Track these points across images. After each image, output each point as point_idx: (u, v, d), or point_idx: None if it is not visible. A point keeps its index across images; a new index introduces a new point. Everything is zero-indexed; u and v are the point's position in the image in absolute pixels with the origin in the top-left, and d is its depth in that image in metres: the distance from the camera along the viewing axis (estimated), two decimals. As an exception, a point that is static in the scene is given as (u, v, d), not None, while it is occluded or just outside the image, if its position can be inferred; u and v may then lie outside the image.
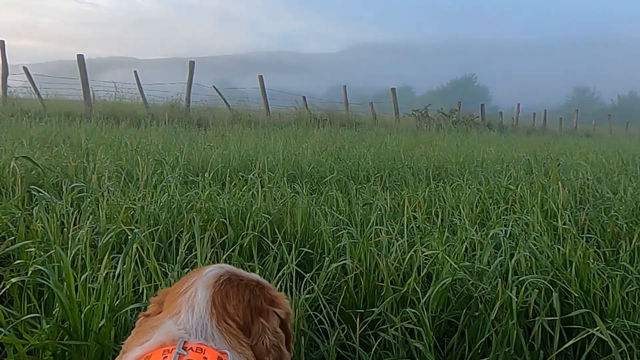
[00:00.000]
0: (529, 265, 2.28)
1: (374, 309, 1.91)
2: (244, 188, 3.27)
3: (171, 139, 7.27)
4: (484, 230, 2.89)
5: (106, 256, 1.81)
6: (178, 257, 2.06)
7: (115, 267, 1.83)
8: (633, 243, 2.68)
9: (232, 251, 2.33)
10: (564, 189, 3.82)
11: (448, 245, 2.48)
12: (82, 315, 1.45)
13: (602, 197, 4.05)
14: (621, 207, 3.58)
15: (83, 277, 1.78)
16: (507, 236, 2.67)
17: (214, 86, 16.49)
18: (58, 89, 15.56)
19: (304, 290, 2.02)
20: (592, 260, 2.33)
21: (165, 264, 2.11)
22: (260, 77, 16.20)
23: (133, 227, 2.10)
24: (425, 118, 17.51)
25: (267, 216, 2.61)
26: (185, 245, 2.16)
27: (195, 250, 2.25)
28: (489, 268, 2.16)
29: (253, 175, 3.42)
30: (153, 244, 2.23)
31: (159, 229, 2.38)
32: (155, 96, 15.92)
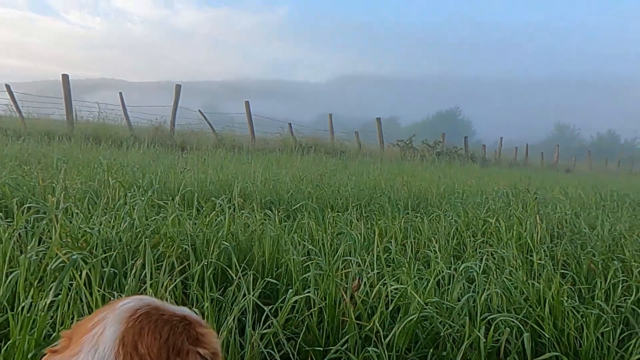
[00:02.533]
0: (501, 302, 2.19)
1: (334, 347, 1.78)
2: (212, 214, 3.15)
3: (149, 161, 7.13)
4: (458, 263, 2.80)
5: (34, 287, 1.66)
6: (127, 287, 1.92)
7: (58, 295, 1.68)
8: (608, 280, 2.62)
9: (192, 280, 2.19)
10: (541, 222, 3.78)
11: (419, 279, 2.38)
12: (4, 351, 1.30)
13: (580, 232, 4.02)
14: (597, 243, 3.54)
15: (20, 306, 1.63)
16: (481, 271, 2.59)
17: (199, 110, 16.49)
18: (43, 108, 15.42)
19: (264, 325, 1.89)
20: (566, 298, 2.25)
21: (115, 292, 1.97)
22: (247, 103, 16.26)
23: (73, 252, 1.96)
24: (410, 148, 17.68)
25: (227, 244, 2.47)
26: (136, 273, 2.02)
27: (155, 277, 2.11)
28: (458, 304, 2.06)
29: (222, 200, 3.30)
30: (105, 270, 2.09)
31: (113, 254, 2.24)
32: (141, 119, 15.86)
